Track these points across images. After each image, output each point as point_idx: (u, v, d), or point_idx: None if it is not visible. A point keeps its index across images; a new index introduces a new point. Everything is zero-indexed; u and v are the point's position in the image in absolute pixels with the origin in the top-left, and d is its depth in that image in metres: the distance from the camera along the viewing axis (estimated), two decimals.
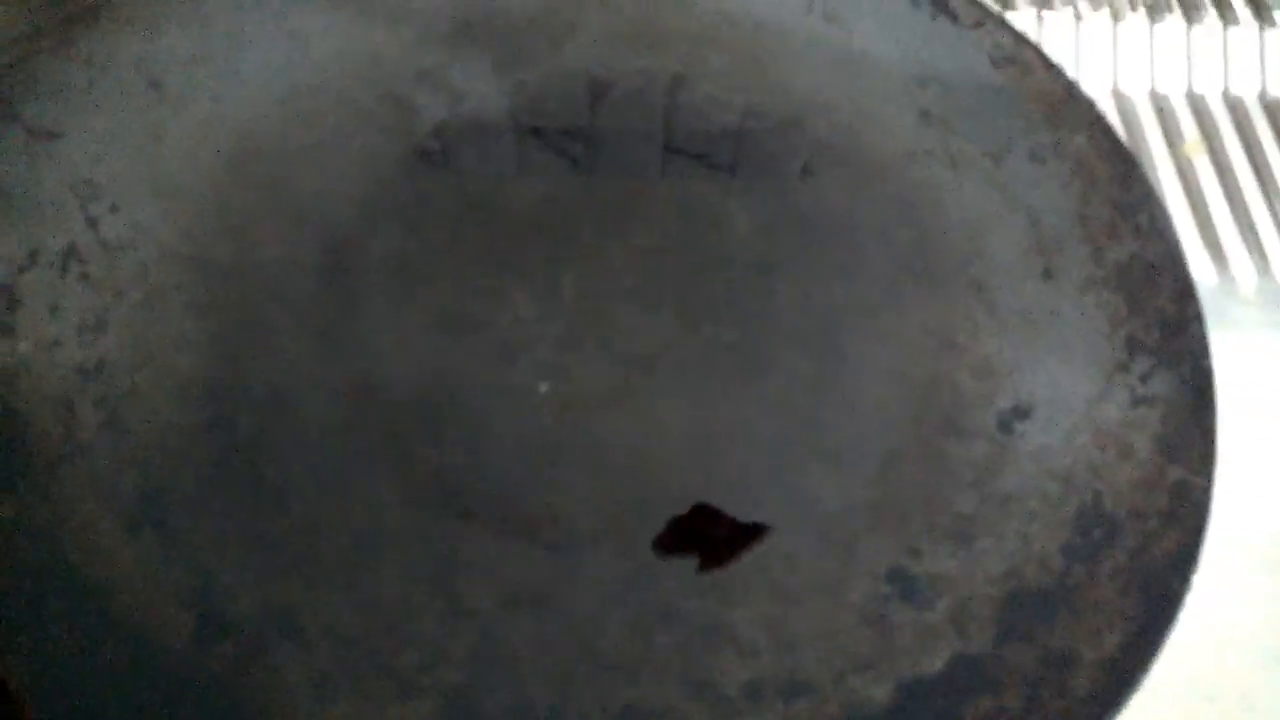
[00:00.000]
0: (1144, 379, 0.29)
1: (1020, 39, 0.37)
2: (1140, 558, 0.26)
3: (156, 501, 0.27)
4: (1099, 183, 0.33)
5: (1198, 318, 0.30)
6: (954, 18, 0.37)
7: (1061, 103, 0.35)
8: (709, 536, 0.28)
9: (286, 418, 0.28)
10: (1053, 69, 0.36)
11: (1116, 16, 0.46)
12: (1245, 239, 0.41)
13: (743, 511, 0.28)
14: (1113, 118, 0.44)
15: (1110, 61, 0.46)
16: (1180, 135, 0.44)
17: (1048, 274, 0.32)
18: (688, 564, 0.27)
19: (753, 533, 0.27)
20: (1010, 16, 0.44)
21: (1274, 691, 0.32)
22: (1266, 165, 0.44)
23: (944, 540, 0.27)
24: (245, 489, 0.27)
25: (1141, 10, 0.46)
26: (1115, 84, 0.45)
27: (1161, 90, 0.45)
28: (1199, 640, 0.33)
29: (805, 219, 0.34)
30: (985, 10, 0.37)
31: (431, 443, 0.29)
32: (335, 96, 0.35)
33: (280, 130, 0.34)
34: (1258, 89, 0.46)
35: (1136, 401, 0.29)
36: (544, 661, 0.25)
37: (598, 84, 0.36)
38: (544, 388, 0.30)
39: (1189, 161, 0.44)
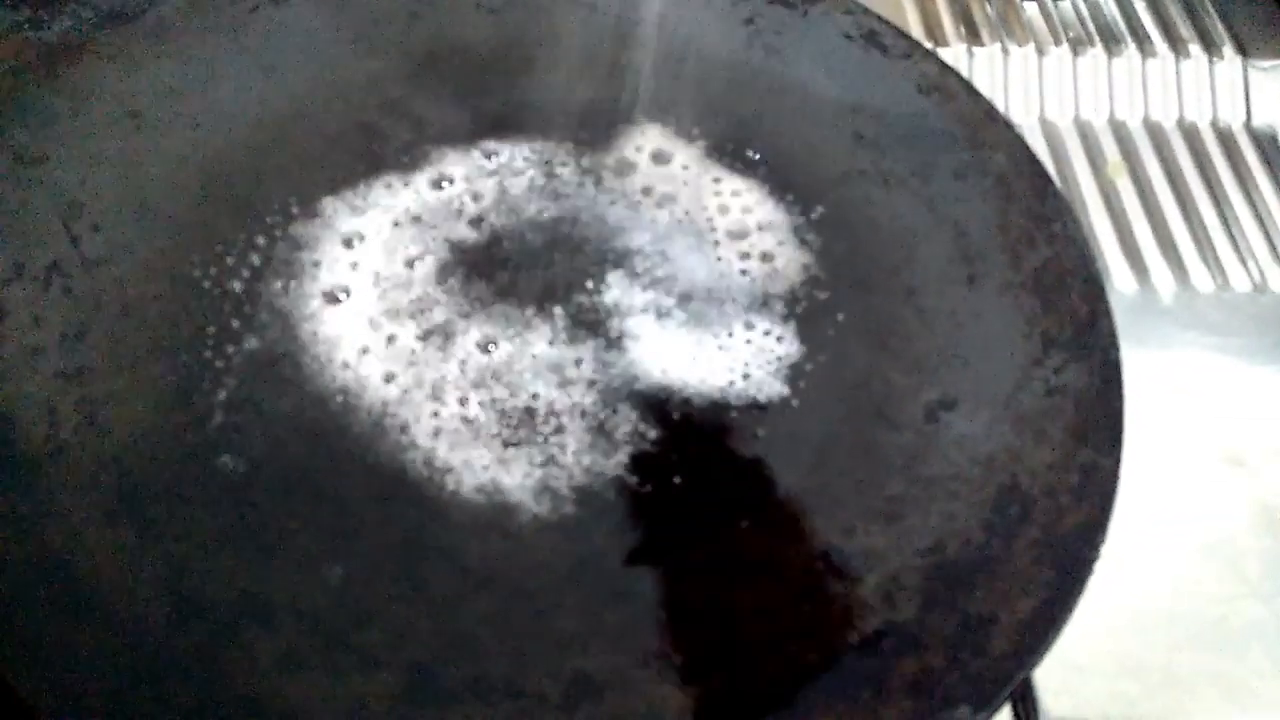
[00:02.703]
0: (1057, 371, 0.32)
1: (945, 68, 0.40)
2: (1052, 531, 0.28)
3: (133, 496, 0.28)
4: (1017, 196, 0.36)
5: (1106, 315, 0.32)
6: (884, 50, 0.40)
7: (982, 125, 0.38)
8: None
9: (255, 418, 0.30)
10: (974, 94, 0.39)
11: (1041, 51, 0.49)
12: (1164, 253, 0.44)
13: (686, 499, 0.30)
14: (1040, 143, 0.47)
15: (1037, 92, 0.49)
16: (1103, 158, 0.47)
17: (971, 279, 0.35)
18: (638, 548, 0.29)
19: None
20: (942, 52, 0.48)
21: (1195, 667, 0.34)
22: (1184, 185, 0.47)
23: (875, 520, 0.29)
24: (217, 483, 0.29)
25: (1065, 45, 0.49)
26: (1042, 112, 0.49)
27: (1085, 117, 0.49)
28: (1124, 620, 0.34)
29: None
30: (913, 43, 0.40)
31: (394, 438, 0.30)
32: (306, 124, 0.37)
33: (251, 154, 0.36)
34: (1175, 115, 0.49)
35: (1051, 391, 0.31)
36: (500, 637, 0.27)
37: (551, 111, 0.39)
38: (510, 399, 0.32)
39: (1112, 183, 0.47)
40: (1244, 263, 0.44)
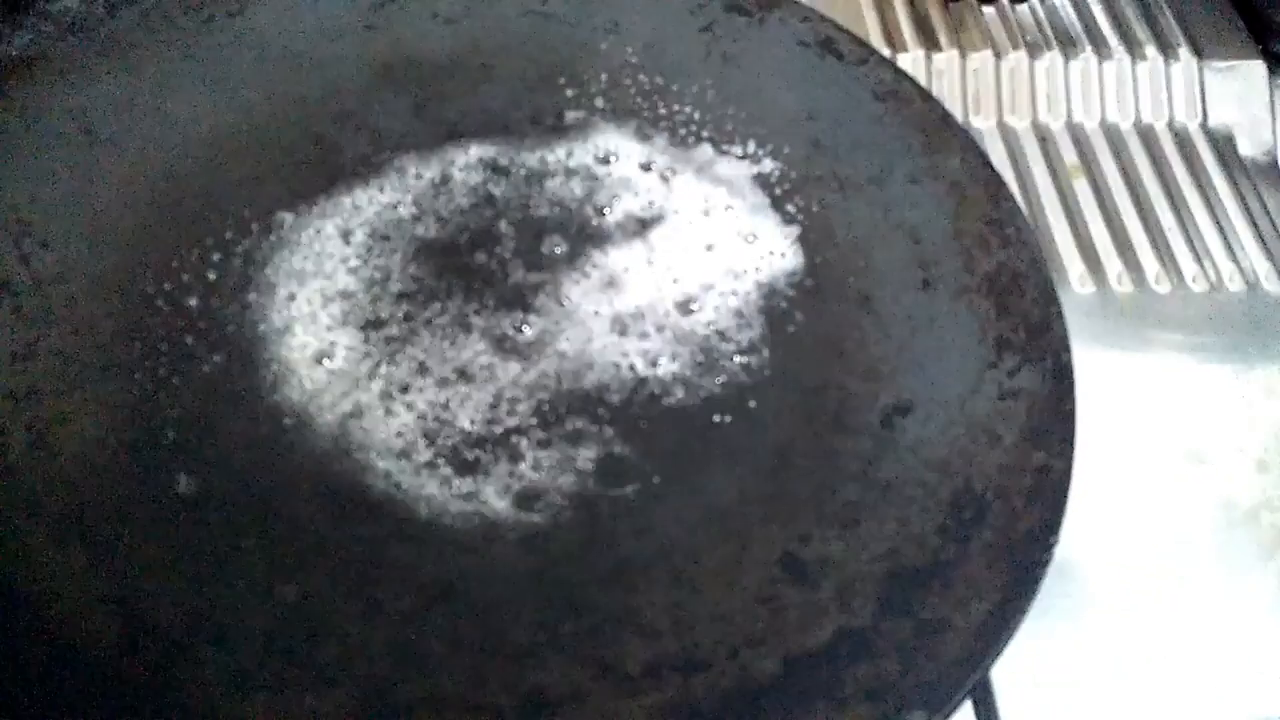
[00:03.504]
0: (1011, 374, 0.32)
1: (900, 74, 0.40)
2: (1006, 534, 0.28)
3: (83, 517, 0.28)
4: (970, 201, 0.36)
5: (1059, 318, 0.33)
6: (840, 56, 0.40)
7: (937, 131, 0.38)
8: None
9: (209, 435, 0.30)
10: (929, 100, 0.39)
11: (999, 55, 0.50)
12: (1121, 254, 0.45)
13: (645, 509, 0.30)
14: (999, 147, 0.48)
15: (995, 96, 0.49)
16: (1061, 161, 0.48)
17: (926, 284, 0.35)
18: (595, 558, 0.29)
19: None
20: (900, 57, 0.48)
21: (1157, 665, 0.34)
22: (1141, 186, 0.47)
23: (831, 526, 0.29)
24: (168, 503, 0.29)
25: (1022, 49, 0.50)
26: (1000, 116, 0.49)
27: (1043, 120, 0.49)
28: (1084, 620, 0.35)
29: None
30: (868, 49, 0.41)
31: (350, 454, 0.30)
32: (259, 137, 0.37)
33: (206, 169, 0.36)
34: (1132, 117, 0.50)
35: (1004, 395, 0.31)
36: (456, 651, 0.27)
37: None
38: (463, 412, 0.32)
39: (1069, 184, 0.47)
40: (1200, 262, 0.45)
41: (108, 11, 0.55)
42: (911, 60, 0.48)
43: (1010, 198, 0.36)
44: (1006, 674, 0.32)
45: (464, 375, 0.33)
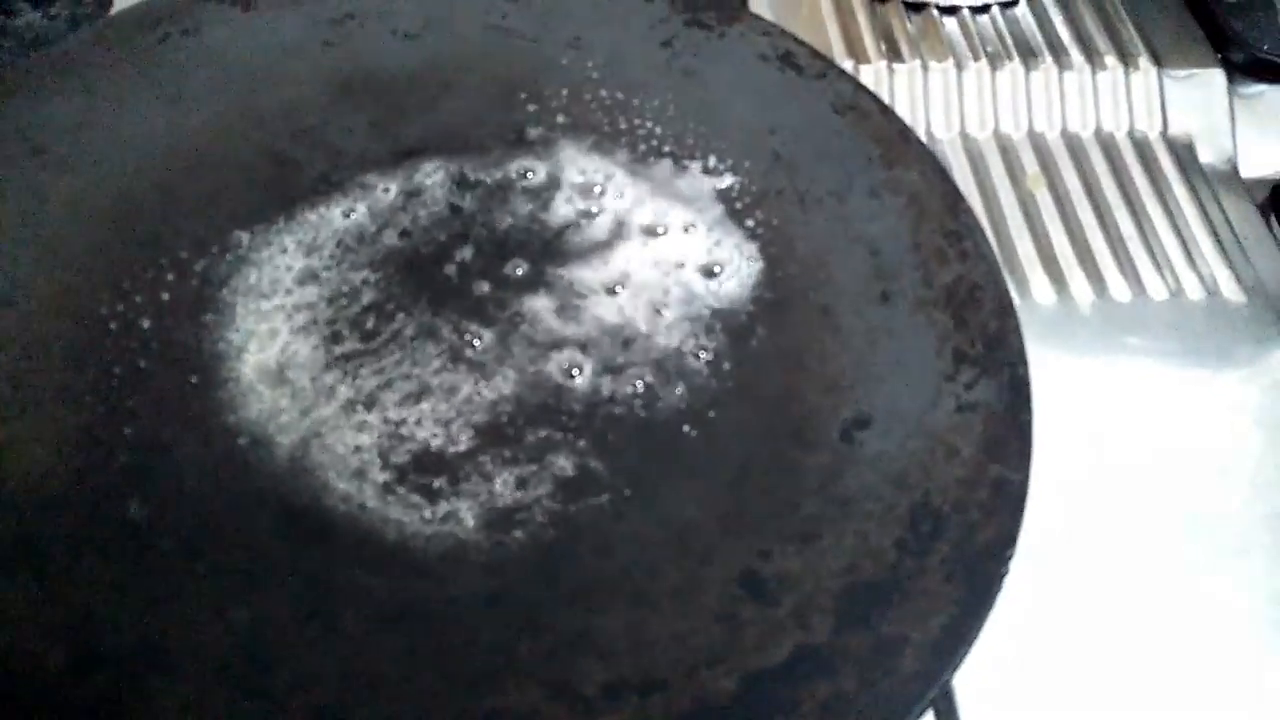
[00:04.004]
0: (968, 387, 0.32)
1: (859, 87, 0.40)
2: (963, 547, 0.28)
3: (32, 543, 0.28)
4: (929, 214, 0.36)
5: (1015, 331, 0.33)
6: (799, 70, 0.40)
7: (895, 144, 0.38)
8: None
9: (162, 459, 0.30)
10: (888, 113, 0.39)
11: (960, 66, 0.50)
12: (1082, 263, 0.45)
13: (606, 526, 0.30)
14: (961, 158, 0.48)
15: (957, 107, 0.49)
16: (1023, 171, 0.48)
17: (885, 297, 0.35)
18: (554, 578, 0.29)
19: None
20: (862, 69, 0.48)
21: (1123, 675, 0.34)
22: (1101, 195, 0.48)
23: (791, 541, 0.29)
24: (119, 529, 0.28)
25: (984, 60, 0.50)
26: (962, 127, 0.49)
27: (1004, 130, 0.49)
28: (1047, 633, 0.35)
29: None
30: (828, 63, 0.41)
31: (304, 476, 0.30)
32: (217, 156, 0.37)
33: (160, 188, 0.35)
34: (1093, 125, 0.50)
35: (961, 408, 0.31)
36: (411, 677, 0.27)
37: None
38: (418, 433, 0.32)
39: (1031, 195, 0.47)
40: (1160, 271, 0.45)
41: (70, 27, 0.55)
42: (874, 71, 0.49)
43: (969, 210, 0.36)
44: (970, 684, 0.32)
45: (423, 393, 0.32)
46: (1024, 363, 0.32)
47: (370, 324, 0.34)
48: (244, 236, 0.35)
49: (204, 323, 0.33)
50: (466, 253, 0.36)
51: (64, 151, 0.36)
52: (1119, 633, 0.35)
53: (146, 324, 0.33)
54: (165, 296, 0.33)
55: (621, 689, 0.27)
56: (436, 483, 0.30)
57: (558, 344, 0.34)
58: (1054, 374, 0.41)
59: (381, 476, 0.30)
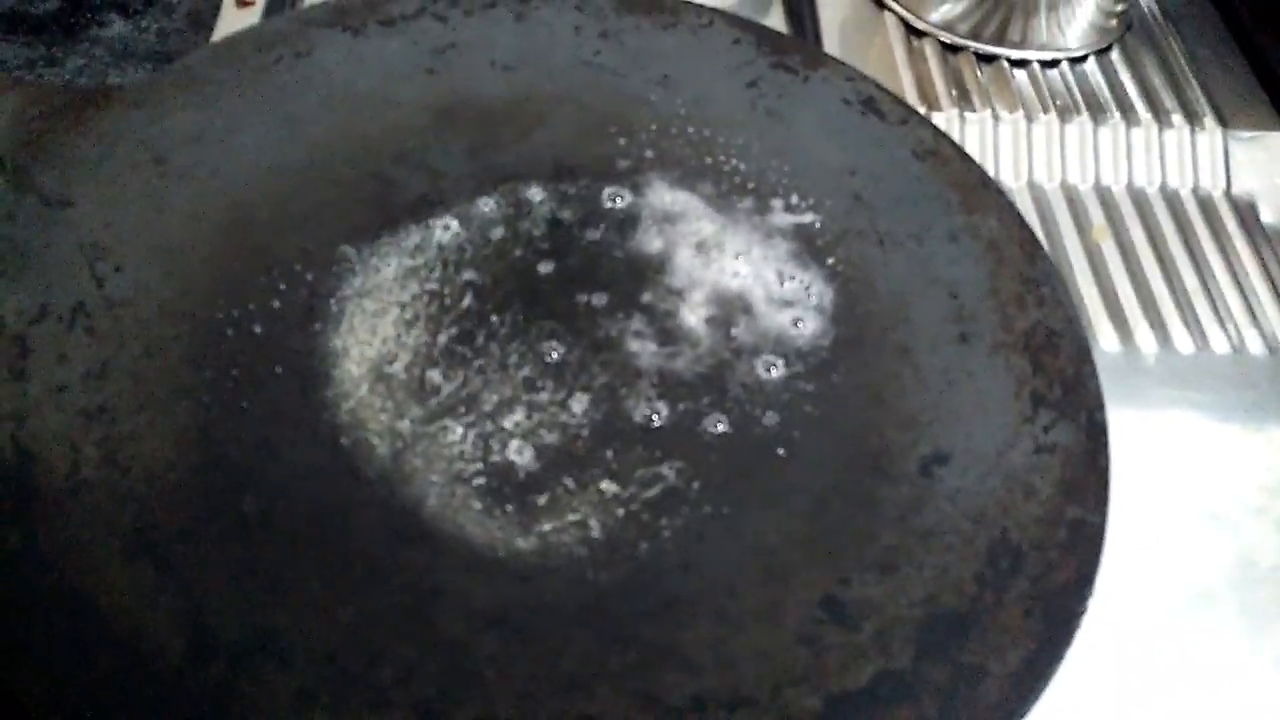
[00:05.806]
0: (1046, 430, 0.33)
1: (939, 134, 0.41)
2: (1041, 584, 0.29)
3: (152, 534, 0.29)
4: (1007, 260, 0.37)
5: (1093, 376, 0.34)
6: (881, 116, 0.42)
7: (975, 190, 0.39)
8: None
9: (272, 458, 0.31)
10: (967, 160, 0.40)
11: (1030, 118, 0.51)
12: (1147, 314, 0.46)
13: (690, 549, 0.31)
14: (1028, 206, 0.49)
15: (1025, 157, 0.51)
16: (1089, 221, 0.49)
17: (963, 338, 0.36)
18: (641, 592, 0.30)
19: None
20: (935, 116, 0.49)
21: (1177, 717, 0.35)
22: (1165, 249, 0.49)
23: (871, 570, 0.30)
24: (234, 523, 0.30)
25: (1053, 112, 0.51)
26: (1030, 176, 0.50)
27: (1071, 182, 0.50)
28: (1108, 673, 0.35)
29: None
30: (909, 109, 0.42)
31: (407, 482, 0.31)
32: (323, 173, 0.39)
33: (271, 201, 0.37)
34: (1158, 181, 0.51)
35: (1040, 449, 0.32)
36: (508, 678, 0.28)
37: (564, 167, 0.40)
38: (514, 442, 0.33)
39: (1097, 245, 0.48)
40: (1223, 325, 0.46)
41: (159, 40, 0.57)
42: (945, 119, 0.50)
43: (1046, 258, 0.37)
44: None
45: (517, 408, 0.34)
46: (1101, 408, 0.33)
47: (467, 336, 0.35)
48: (349, 250, 0.37)
49: (313, 330, 0.34)
50: (554, 278, 0.38)
51: (183, 162, 0.38)
52: (1177, 684, 0.36)
53: (258, 329, 0.34)
54: (276, 304, 0.35)
55: (708, 703, 0.28)
56: (532, 493, 0.32)
57: (650, 370, 0.35)
58: (1117, 422, 0.41)
59: (478, 485, 0.32)
